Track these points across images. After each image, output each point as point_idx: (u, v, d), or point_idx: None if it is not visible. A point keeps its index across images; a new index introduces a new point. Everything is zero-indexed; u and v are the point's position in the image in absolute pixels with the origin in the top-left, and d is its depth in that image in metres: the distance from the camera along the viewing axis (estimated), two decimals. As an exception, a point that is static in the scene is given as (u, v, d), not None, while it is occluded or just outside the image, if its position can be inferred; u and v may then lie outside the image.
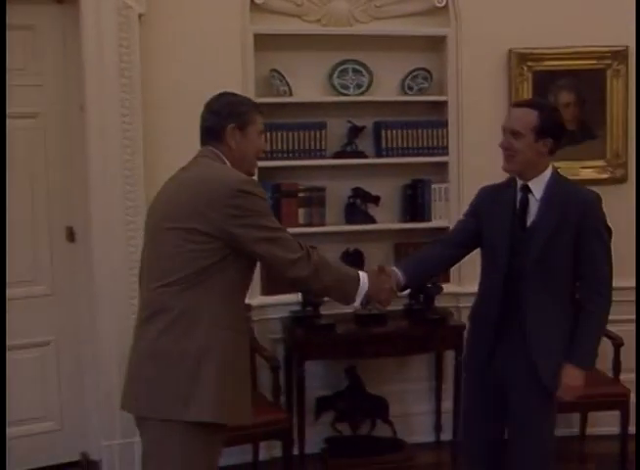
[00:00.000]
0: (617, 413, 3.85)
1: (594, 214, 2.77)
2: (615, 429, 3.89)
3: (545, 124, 2.73)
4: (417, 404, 4.32)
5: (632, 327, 4.14)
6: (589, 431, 4.24)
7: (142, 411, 2.40)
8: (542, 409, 2.80)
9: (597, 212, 2.79)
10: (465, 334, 3.88)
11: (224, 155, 2.45)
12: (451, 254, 2.99)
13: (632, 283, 4.15)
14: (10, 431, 3.86)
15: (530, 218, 2.79)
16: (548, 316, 2.76)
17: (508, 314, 2.80)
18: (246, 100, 2.56)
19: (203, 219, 2.31)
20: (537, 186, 2.79)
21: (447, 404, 4.17)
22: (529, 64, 4.20)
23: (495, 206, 2.88)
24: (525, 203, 2.80)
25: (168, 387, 2.33)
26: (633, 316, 4.09)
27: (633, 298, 4.10)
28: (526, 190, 2.80)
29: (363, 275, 2.58)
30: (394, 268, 2.85)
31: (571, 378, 2.76)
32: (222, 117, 2.45)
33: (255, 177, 3.92)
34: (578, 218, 2.73)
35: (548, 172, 2.81)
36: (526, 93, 4.21)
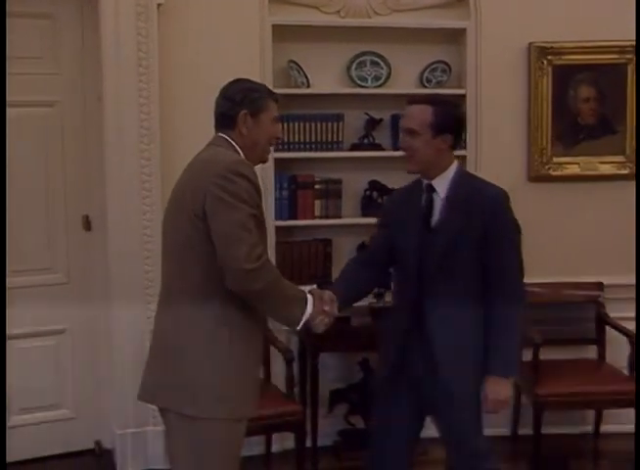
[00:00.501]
0: (631, 411, 3.82)
1: (501, 212, 2.65)
2: (629, 427, 3.86)
3: (442, 120, 2.63)
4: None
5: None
6: (603, 429, 4.22)
7: (157, 402, 2.45)
8: (469, 423, 2.70)
9: (504, 210, 2.66)
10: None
11: (236, 141, 2.44)
12: (375, 277, 2.87)
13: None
14: (24, 418, 3.92)
15: (435, 219, 2.68)
16: (455, 325, 2.63)
17: (416, 324, 2.68)
18: (260, 87, 2.53)
19: (196, 201, 2.29)
20: (441, 184, 2.68)
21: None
22: (549, 58, 4.16)
23: (404, 209, 2.77)
24: (431, 203, 2.70)
25: (175, 380, 2.34)
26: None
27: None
28: (431, 189, 2.70)
29: (309, 298, 2.44)
30: (329, 291, 2.61)
31: (496, 391, 2.63)
32: (235, 103, 2.43)
33: (272, 167, 4.00)
34: (484, 217, 2.61)
35: (452, 169, 2.70)
36: (546, 87, 4.17)
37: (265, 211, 3.87)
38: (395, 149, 4.21)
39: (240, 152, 2.42)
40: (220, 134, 2.46)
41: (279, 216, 4.08)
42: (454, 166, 2.71)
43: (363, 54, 4.18)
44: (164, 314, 2.43)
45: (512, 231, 2.67)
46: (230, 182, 2.26)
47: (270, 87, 3.89)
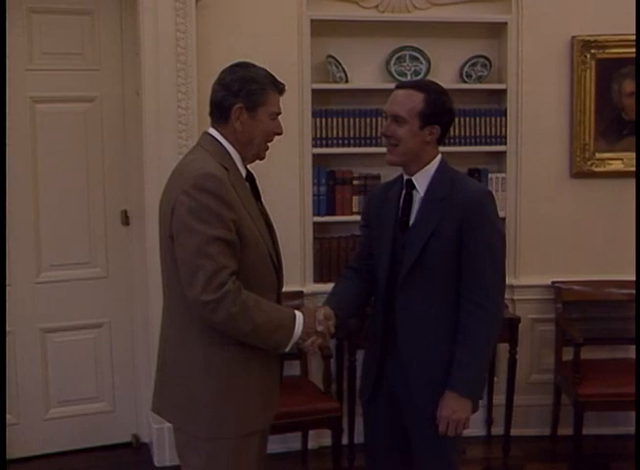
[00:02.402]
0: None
1: (481, 213, 2.41)
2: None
3: (433, 109, 2.40)
4: (468, 397, 4.27)
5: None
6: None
7: (163, 415, 2.37)
8: (441, 444, 2.46)
9: (486, 212, 2.43)
10: (519, 327, 3.90)
11: (227, 136, 2.25)
12: (369, 285, 2.60)
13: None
14: (63, 410, 3.97)
15: (412, 219, 2.47)
16: (426, 335, 2.43)
17: (390, 333, 2.49)
18: (262, 76, 2.27)
19: (167, 218, 2.18)
20: (422, 181, 2.47)
21: (500, 398, 4.11)
22: (593, 51, 4.09)
23: (383, 207, 2.57)
24: (409, 201, 2.49)
25: (173, 396, 2.28)
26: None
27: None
28: (411, 186, 2.49)
29: (299, 318, 2.25)
30: (327, 307, 2.45)
31: (451, 409, 2.38)
32: (231, 93, 2.22)
33: (310, 163, 3.99)
34: (461, 217, 2.39)
35: (434, 164, 2.47)
36: (589, 82, 4.11)
37: (303, 206, 3.99)
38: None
39: (229, 150, 2.25)
40: (211, 129, 2.29)
41: (317, 212, 4.07)
42: (436, 161, 2.48)
43: (402, 49, 4.15)
44: (164, 323, 2.33)
45: (491, 235, 2.43)
46: (192, 199, 2.10)
47: (308, 82, 3.99)
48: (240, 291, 2.13)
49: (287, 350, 2.26)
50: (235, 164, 2.27)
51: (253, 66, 2.30)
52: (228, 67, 2.30)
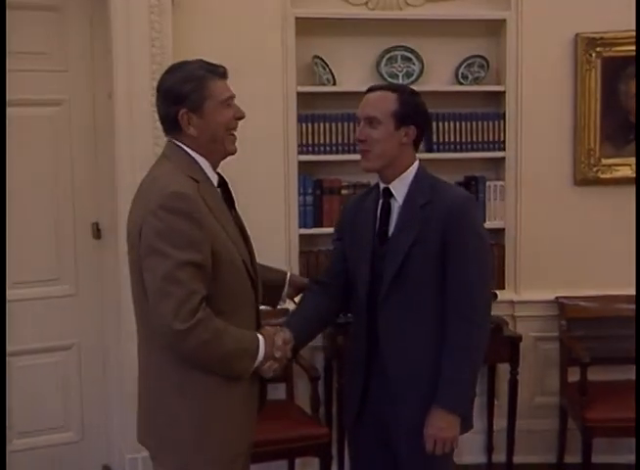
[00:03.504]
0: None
1: (465, 220, 2.47)
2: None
3: (407, 109, 2.49)
4: (467, 422, 4.30)
5: None
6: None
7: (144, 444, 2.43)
8: (431, 465, 2.51)
9: (468, 217, 2.49)
10: (520, 346, 3.94)
11: (189, 145, 2.27)
12: (336, 303, 2.67)
13: None
14: (27, 441, 3.93)
15: (392, 229, 2.53)
16: (412, 351, 2.49)
17: (374, 352, 2.54)
18: (195, 69, 2.26)
19: (134, 240, 2.22)
20: (400, 188, 2.53)
21: (501, 423, 4.13)
22: (598, 49, 4.14)
23: (358, 218, 2.62)
24: (387, 210, 2.54)
25: (152, 427, 2.32)
26: None
27: None
28: (388, 194, 2.55)
29: (261, 342, 2.28)
30: (286, 330, 2.45)
31: (438, 427, 2.43)
32: (171, 102, 2.24)
33: (295, 171, 4.03)
34: (444, 224, 2.44)
35: (412, 171, 2.54)
36: (594, 82, 4.15)
37: (288, 218, 4.01)
38: (429, 151, 4.22)
39: (196, 158, 2.26)
40: (172, 141, 2.30)
41: (302, 224, 4.10)
42: (414, 168, 2.55)
43: (394, 48, 4.19)
44: (140, 350, 2.36)
45: (476, 242, 2.47)
46: (160, 221, 2.11)
47: (293, 85, 4.02)
48: (211, 317, 2.15)
49: (247, 376, 2.28)
50: (205, 173, 2.29)
51: (185, 63, 2.31)
52: (161, 76, 2.32)
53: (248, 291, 2.33)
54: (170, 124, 2.27)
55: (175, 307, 2.09)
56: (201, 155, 2.28)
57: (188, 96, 2.23)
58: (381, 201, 2.58)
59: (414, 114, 2.52)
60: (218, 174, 2.36)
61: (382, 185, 2.59)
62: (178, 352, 2.17)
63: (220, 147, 2.30)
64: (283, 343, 2.35)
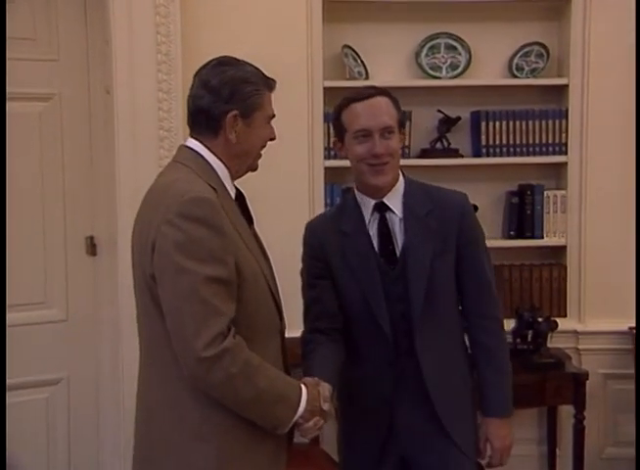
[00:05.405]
0: None
1: (471, 220, 2.72)
2: None
3: (401, 113, 2.69)
4: (523, 474, 4.26)
5: None
6: None
7: None
8: None
9: (474, 217, 2.74)
10: (587, 385, 3.89)
11: (215, 150, 2.29)
12: (344, 348, 2.73)
13: None
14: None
15: (399, 246, 2.64)
16: (446, 366, 2.68)
17: (402, 380, 2.65)
18: (253, 74, 2.31)
19: (145, 254, 2.20)
20: (395, 200, 2.66)
21: (564, 475, 4.11)
22: (680, 35, 4.10)
23: (346, 246, 2.68)
24: (387, 226, 2.66)
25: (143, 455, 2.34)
26: None
27: None
28: (382, 209, 2.65)
29: (304, 393, 2.28)
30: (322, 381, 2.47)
31: (501, 437, 2.69)
32: (222, 99, 2.26)
33: (321, 178, 3.99)
34: (457, 229, 2.65)
35: (402, 180, 2.70)
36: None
37: None
38: (477, 155, 4.22)
39: (215, 166, 2.29)
40: (191, 141, 2.32)
41: (330, 240, 4.10)
42: (401, 176, 2.71)
43: (436, 36, 4.21)
44: (144, 382, 2.38)
45: (483, 241, 2.74)
46: (179, 231, 2.11)
47: (320, 79, 4.02)
48: (242, 348, 2.14)
49: (285, 430, 2.25)
50: (223, 183, 2.30)
51: (240, 61, 2.35)
52: (210, 65, 2.33)
53: (274, 316, 2.34)
54: (208, 122, 2.28)
55: (199, 330, 2.08)
56: (224, 164, 2.31)
57: (245, 98, 2.27)
58: (375, 217, 2.66)
59: (402, 118, 2.73)
60: (236, 188, 2.38)
61: (371, 201, 2.66)
62: (201, 385, 2.15)
63: (250, 161, 2.36)
64: (329, 394, 2.38)
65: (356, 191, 2.72)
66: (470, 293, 2.71)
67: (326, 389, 2.38)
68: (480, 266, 2.70)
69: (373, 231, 2.66)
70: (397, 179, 2.67)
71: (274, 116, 2.38)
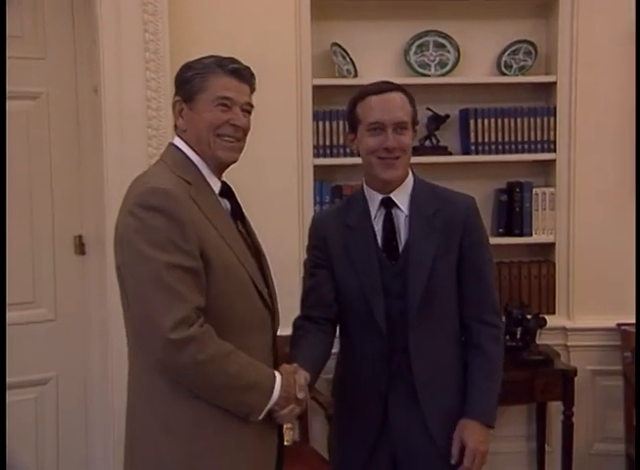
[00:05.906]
0: None
1: (476, 223, 2.73)
2: None
3: (415, 111, 2.70)
4: (512, 471, 4.29)
5: None
6: None
7: None
8: None
9: (480, 220, 2.75)
10: (575, 381, 3.91)
11: (186, 142, 2.33)
12: (333, 339, 2.77)
13: None
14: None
15: (402, 242, 2.67)
16: (438, 366, 2.66)
17: (397, 376, 2.66)
18: (203, 61, 2.34)
19: (116, 245, 2.26)
20: (402, 197, 2.69)
21: (552, 472, 4.13)
22: (667, 32, 4.11)
23: (350, 239, 2.71)
24: (392, 222, 2.68)
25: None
26: None
27: None
28: (389, 204, 2.68)
29: (278, 379, 2.29)
30: (302, 370, 2.47)
31: (478, 440, 2.62)
32: (175, 91, 2.37)
33: (310, 176, 4.02)
34: (462, 230, 2.67)
35: (411, 176, 2.73)
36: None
37: (303, 229, 3.96)
38: (465, 153, 4.23)
39: (195, 160, 2.32)
40: (175, 139, 2.38)
41: (319, 237, 4.11)
42: (411, 173, 2.73)
43: (425, 34, 4.21)
44: (129, 376, 2.38)
45: (487, 244, 2.75)
46: (137, 220, 2.14)
47: (309, 77, 4.02)
48: (211, 336, 2.15)
49: (260, 418, 2.25)
50: (202, 176, 2.32)
51: (204, 57, 2.37)
52: None
53: (260, 312, 2.33)
54: (174, 117, 2.36)
55: (164, 315, 2.09)
56: (198, 156, 2.33)
57: (184, 83, 2.32)
58: (381, 212, 2.69)
59: (416, 115, 2.71)
60: (224, 183, 2.38)
61: (378, 196, 2.68)
62: (172, 372, 2.16)
63: (207, 149, 2.32)
64: (305, 383, 2.36)
65: (365, 185, 2.74)
66: (470, 295, 2.70)
67: (302, 377, 2.37)
68: (482, 269, 2.71)
69: (378, 226, 2.69)
70: (407, 176, 2.70)
71: (229, 98, 2.31)
